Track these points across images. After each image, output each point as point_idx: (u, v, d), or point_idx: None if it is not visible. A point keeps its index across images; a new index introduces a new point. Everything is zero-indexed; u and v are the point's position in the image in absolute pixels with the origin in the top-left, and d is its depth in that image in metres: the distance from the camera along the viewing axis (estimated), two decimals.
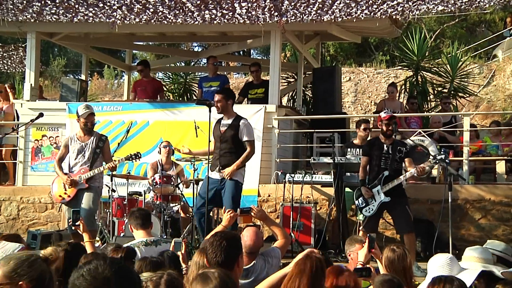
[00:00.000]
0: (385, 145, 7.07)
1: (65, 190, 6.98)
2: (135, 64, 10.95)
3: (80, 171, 6.93)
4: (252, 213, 4.79)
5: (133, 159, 7.19)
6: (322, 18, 8.42)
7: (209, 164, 6.83)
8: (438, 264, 3.41)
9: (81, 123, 7.05)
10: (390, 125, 7.05)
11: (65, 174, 7.01)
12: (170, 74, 14.49)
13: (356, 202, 7.16)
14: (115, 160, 7.19)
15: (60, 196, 7.07)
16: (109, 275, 1.96)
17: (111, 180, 7.72)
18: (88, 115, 7.03)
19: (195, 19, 8.73)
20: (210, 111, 6.68)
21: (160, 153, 8.43)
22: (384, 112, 7.28)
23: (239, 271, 3.61)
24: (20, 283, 2.56)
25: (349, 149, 8.17)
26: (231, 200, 6.56)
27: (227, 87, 9.85)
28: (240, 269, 3.62)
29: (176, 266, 3.88)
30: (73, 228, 5.28)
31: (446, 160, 6.85)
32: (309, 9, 8.22)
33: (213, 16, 8.56)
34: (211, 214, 7.62)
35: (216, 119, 6.95)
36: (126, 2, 8.11)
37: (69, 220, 5.43)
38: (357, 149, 8.10)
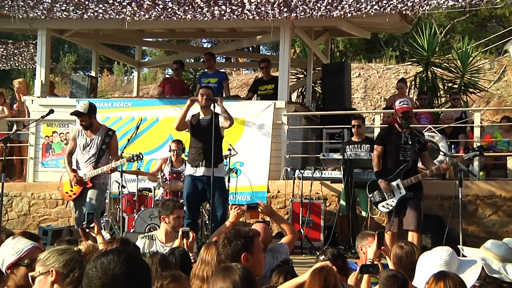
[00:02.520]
0: (402, 135, 6.61)
1: (71, 187, 6.99)
2: (173, 63, 10.97)
3: (85, 168, 6.93)
4: (259, 209, 4.79)
5: (134, 160, 7.12)
6: (332, 14, 8.40)
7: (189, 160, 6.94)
8: (438, 262, 3.28)
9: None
10: (406, 118, 6.55)
11: (73, 171, 7.00)
12: None
13: (371, 196, 6.78)
14: (116, 161, 7.01)
15: (66, 193, 7.11)
16: (118, 274, 2.01)
17: (121, 176, 7.75)
18: (78, 115, 6.97)
19: (204, 15, 8.74)
20: (214, 107, 6.75)
21: (170, 151, 8.41)
22: (400, 102, 6.75)
23: (258, 267, 3.58)
24: (51, 269, 2.73)
25: (348, 146, 8.12)
26: (224, 198, 6.80)
27: (225, 84, 9.95)
28: (252, 265, 3.60)
29: (186, 264, 3.87)
30: (87, 230, 5.31)
31: (469, 165, 6.63)
32: (318, 5, 8.21)
33: (222, 12, 8.57)
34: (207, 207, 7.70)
35: (191, 114, 7.02)
36: None
37: (83, 222, 5.46)
38: (356, 145, 8.09)
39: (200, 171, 6.79)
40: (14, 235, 3.45)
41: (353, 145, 8.14)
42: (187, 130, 7.07)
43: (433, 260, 3.29)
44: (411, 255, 3.91)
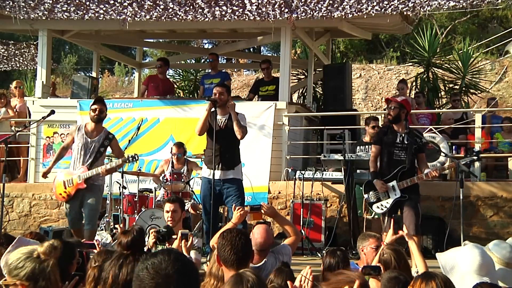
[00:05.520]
0: (398, 134, 6.51)
1: (65, 188, 6.93)
2: (157, 60, 10.97)
3: (79, 169, 6.86)
4: (262, 210, 4.79)
5: (130, 161, 7.05)
6: (333, 15, 8.40)
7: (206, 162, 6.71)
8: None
9: (90, 113, 6.95)
10: (389, 109, 6.48)
11: (51, 166, 7.04)
12: (180, 71, 14.52)
13: (366, 196, 6.69)
14: (111, 163, 7.03)
15: (60, 194, 7.02)
16: (171, 272, 2.04)
17: (122, 177, 7.74)
18: (97, 102, 6.93)
19: (205, 16, 8.75)
20: (215, 107, 6.61)
21: (171, 153, 8.39)
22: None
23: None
24: (17, 282, 2.63)
25: (359, 147, 8.09)
26: (239, 199, 6.50)
27: (227, 83, 9.85)
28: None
29: None
30: (113, 231, 5.32)
31: (470, 166, 6.48)
32: (319, 6, 8.21)
33: (223, 13, 8.57)
34: (221, 211, 7.62)
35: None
36: None
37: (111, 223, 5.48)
38: (367, 146, 8.02)
39: (216, 174, 6.48)
40: (16, 238, 3.43)
41: (364, 146, 8.05)
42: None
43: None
44: (399, 259, 3.87)
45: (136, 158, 7.07)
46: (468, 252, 3.09)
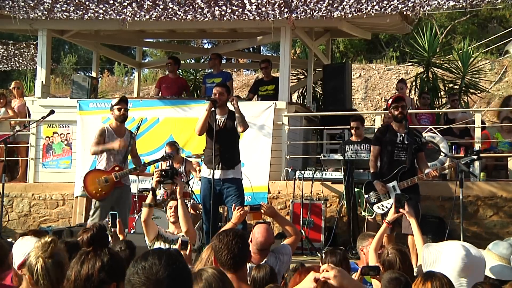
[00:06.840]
0: (398, 134, 6.49)
1: (100, 187, 6.84)
2: (168, 58, 10.97)
3: (114, 169, 6.83)
4: (262, 210, 4.79)
5: (166, 159, 7.13)
6: (332, 15, 8.40)
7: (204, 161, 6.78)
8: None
9: (115, 112, 6.88)
10: (398, 107, 6.42)
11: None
12: (180, 71, 14.49)
13: (366, 196, 6.72)
14: (145, 163, 7.20)
15: (94, 192, 6.89)
16: (161, 278, 1.99)
17: None
18: (121, 102, 6.94)
19: (205, 15, 8.75)
20: (215, 107, 6.62)
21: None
22: (391, 97, 6.78)
23: (246, 270, 3.61)
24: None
25: (348, 146, 8.12)
26: (238, 199, 6.53)
27: (229, 84, 9.83)
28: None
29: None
30: (112, 230, 5.33)
31: (469, 166, 6.51)
32: (319, 6, 8.21)
33: (223, 13, 8.57)
34: (220, 210, 7.62)
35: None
36: None
37: (108, 222, 5.48)
38: (356, 145, 8.09)
39: (216, 174, 6.51)
40: (25, 234, 3.46)
41: (352, 145, 8.14)
42: None
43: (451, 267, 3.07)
44: (403, 261, 3.86)
45: (172, 156, 7.31)
46: (454, 251, 3.08)
